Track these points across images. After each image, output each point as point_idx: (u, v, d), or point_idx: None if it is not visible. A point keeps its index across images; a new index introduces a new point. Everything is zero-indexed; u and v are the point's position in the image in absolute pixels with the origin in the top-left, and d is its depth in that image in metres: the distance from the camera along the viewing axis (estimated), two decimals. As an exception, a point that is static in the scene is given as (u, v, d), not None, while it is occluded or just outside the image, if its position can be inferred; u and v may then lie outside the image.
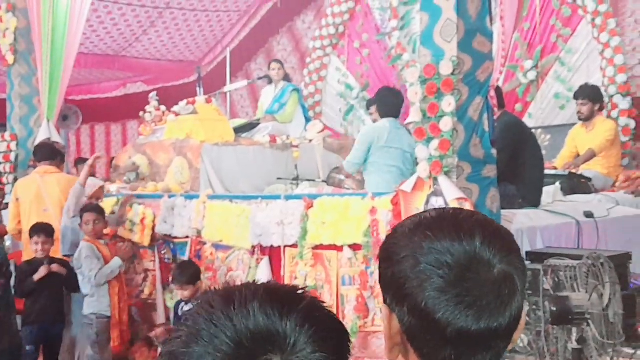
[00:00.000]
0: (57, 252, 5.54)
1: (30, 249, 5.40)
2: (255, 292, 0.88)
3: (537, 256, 3.67)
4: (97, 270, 5.08)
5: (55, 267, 5.26)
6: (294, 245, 4.80)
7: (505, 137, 4.77)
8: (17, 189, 6.03)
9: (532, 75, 7.75)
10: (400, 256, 1.11)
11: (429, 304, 1.06)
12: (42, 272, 5.18)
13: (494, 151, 3.96)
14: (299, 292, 0.91)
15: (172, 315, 5.54)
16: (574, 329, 3.12)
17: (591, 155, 6.41)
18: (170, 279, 5.09)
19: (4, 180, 6.68)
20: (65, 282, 5.35)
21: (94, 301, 5.13)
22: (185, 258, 5.49)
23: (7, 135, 6.82)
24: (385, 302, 1.16)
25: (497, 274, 1.07)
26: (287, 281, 4.87)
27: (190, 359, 0.84)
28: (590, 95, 6.54)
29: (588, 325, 3.04)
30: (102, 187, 5.63)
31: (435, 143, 3.77)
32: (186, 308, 4.71)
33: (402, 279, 1.10)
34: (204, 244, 5.41)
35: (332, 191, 5.32)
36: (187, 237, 5.52)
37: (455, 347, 1.08)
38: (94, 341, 5.11)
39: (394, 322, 1.13)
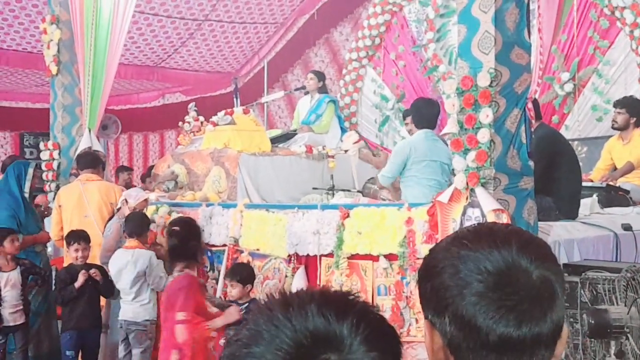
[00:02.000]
0: (96, 257, 5.65)
1: (69, 256, 5.51)
2: (312, 296, 0.93)
3: (574, 269, 3.65)
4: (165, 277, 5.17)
5: (93, 273, 5.36)
6: (330, 255, 4.83)
7: (542, 149, 4.76)
8: (59, 196, 6.16)
9: (569, 87, 7.71)
10: (438, 268, 1.14)
11: (469, 310, 1.08)
12: (81, 279, 5.27)
13: (531, 163, 3.96)
14: (351, 296, 0.96)
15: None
16: (612, 343, 3.10)
17: (630, 169, 6.37)
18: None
19: (47, 188, 6.81)
20: (102, 288, 5.44)
21: (150, 307, 5.17)
22: (222, 266, 5.56)
23: (50, 144, 6.97)
24: (426, 317, 1.18)
25: (536, 279, 1.09)
26: (322, 290, 4.90)
27: (251, 359, 0.88)
28: (629, 106, 6.51)
29: (627, 338, 3.02)
30: (146, 200, 5.73)
31: (472, 154, 3.78)
32: None
33: (442, 290, 1.12)
34: (241, 252, 5.47)
35: (368, 201, 5.34)
36: (224, 245, 5.58)
37: (499, 356, 1.08)
38: (147, 347, 5.14)
39: (436, 337, 1.14)
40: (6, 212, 6.12)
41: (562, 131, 7.29)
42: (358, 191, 6.22)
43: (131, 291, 5.14)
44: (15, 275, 5.66)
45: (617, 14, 7.30)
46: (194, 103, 7.76)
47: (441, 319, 1.12)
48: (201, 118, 7.50)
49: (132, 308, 5.17)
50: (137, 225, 5.25)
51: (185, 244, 4.41)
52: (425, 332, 1.19)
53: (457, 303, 1.09)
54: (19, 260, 5.74)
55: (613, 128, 6.65)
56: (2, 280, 5.59)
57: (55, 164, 6.88)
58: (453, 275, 1.11)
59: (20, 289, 5.69)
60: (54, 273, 5.97)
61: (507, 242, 1.12)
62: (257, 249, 5.35)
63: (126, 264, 5.14)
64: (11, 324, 5.63)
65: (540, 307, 1.08)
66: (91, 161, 6.21)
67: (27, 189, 6.32)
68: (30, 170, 6.41)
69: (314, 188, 6.29)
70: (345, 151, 7.11)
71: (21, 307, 5.69)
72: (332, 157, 6.79)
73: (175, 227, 4.69)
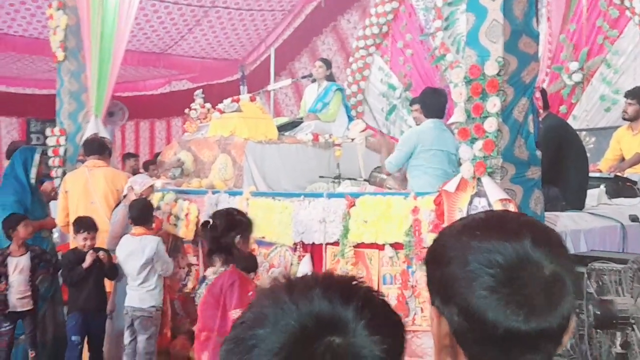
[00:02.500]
0: (103, 243, 5.67)
1: (76, 242, 5.53)
2: (317, 280, 0.92)
3: (580, 259, 3.64)
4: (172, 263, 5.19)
5: (101, 255, 5.39)
6: (336, 243, 4.83)
7: (549, 138, 4.74)
8: (65, 182, 6.17)
9: (577, 77, 7.66)
10: (448, 257, 1.12)
11: (479, 304, 1.06)
12: (88, 259, 5.31)
13: (538, 153, 3.94)
14: (356, 282, 0.95)
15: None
16: (618, 334, 3.09)
17: (638, 160, 6.34)
18: None
19: (53, 174, 6.82)
20: (107, 272, 5.48)
21: (156, 294, 5.21)
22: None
23: (56, 130, 6.96)
24: (433, 303, 1.16)
25: (548, 275, 1.07)
26: (328, 279, 4.90)
27: (256, 341, 0.88)
28: None
29: (632, 329, 3.01)
30: (152, 187, 5.73)
31: (479, 144, 3.76)
32: None
33: (451, 280, 1.10)
34: (247, 240, 5.47)
35: (374, 190, 5.33)
36: (230, 232, 5.59)
37: (505, 348, 1.07)
38: (153, 333, 5.18)
39: (443, 324, 1.13)
40: (13, 197, 6.15)
41: (570, 121, 7.26)
42: (364, 180, 6.21)
43: (139, 277, 5.17)
44: (25, 260, 5.69)
45: (627, 3, 7.25)
46: (200, 90, 7.74)
47: (449, 308, 1.11)
48: (207, 105, 7.49)
49: (138, 294, 5.20)
50: (141, 212, 5.27)
51: (223, 237, 4.05)
52: (432, 317, 1.18)
53: (465, 295, 1.08)
54: (29, 246, 5.77)
55: (624, 119, 6.63)
56: (12, 265, 5.62)
57: (61, 150, 6.88)
58: (462, 267, 1.09)
59: (29, 275, 5.72)
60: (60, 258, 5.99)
61: (520, 235, 1.09)
62: (263, 237, 5.35)
63: (134, 251, 5.17)
64: (19, 309, 5.66)
65: (551, 303, 1.07)
66: (97, 147, 6.22)
67: (33, 174, 6.33)
68: (37, 157, 6.42)
69: (320, 176, 6.28)
70: (352, 140, 7.09)
71: (29, 293, 5.72)
72: (339, 145, 6.78)
73: (215, 220, 4.32)
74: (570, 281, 1.10)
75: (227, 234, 3.93)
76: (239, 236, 3.83)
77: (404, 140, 5.63)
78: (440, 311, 1.14)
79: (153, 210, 5.45)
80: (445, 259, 1.12)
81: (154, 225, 5.59)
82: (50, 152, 6.91)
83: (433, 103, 5.59)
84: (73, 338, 5.33)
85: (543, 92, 5.23)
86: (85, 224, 5.48)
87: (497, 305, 1.06)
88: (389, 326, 0.94)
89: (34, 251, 5.76)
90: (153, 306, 5.22)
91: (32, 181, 6.32)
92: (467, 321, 1.09)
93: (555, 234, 1.16)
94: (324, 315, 0.89)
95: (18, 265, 5.64)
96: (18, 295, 5.64)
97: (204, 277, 4.81)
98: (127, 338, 5.25)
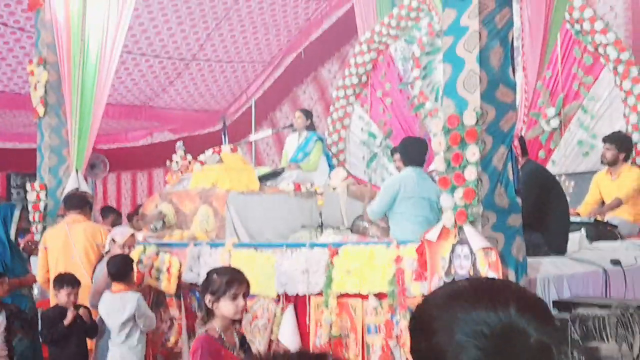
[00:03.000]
0: (84, 299, 5.59)
1: (58, 299, 5.43)
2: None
3: (564, 305, 3.65)
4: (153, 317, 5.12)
5: (82, 312, 5.30)
6: (319, 294, 4.80)
7: (529, 185, 4.78)
8: (45, 238, 6.11)
9: (554, 122, 7.77)
10: (433, 328, 1.12)
11: None
12: (69, 316, 5.20)
13: (518, 200, 3.97)
14: (330, 358, 0.93)
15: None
16: (604, 380, 3.08)
17: (618, 204, 6.40)
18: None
19: (34, 229, 6.76)
20: (88, 329, 5.38)
21: (138, 350, 5.09)
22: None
23: (36, 185, 6.92)
24: None
25: (534, 344, 1.07)
26: (312, 329, 4.86)
27: None
28: (617, 142, 6.57)
29: (618, 376, 3.01)
30: (133, 235, 5.69)
31: (460, 192, 3.79)
32: None
33: (437, 352, 1.10)
34: (230, 292, 5.42)
35: (357, 239, 5.34)
36: (212, 285, 5.54)
37: None
38: None
39: None
40: (-8, 255, 6.08)
41: (549, 166, 7.33)
42: (347, 228, 6.21)
43: (120, 334, 5.08)
44: (0, 319, 5.59)
45: (601, 50, 7.40)
46: (181, 142, 7.76)
47: None
48: (189, 157, 7.50)
49: (120, 351, 5.09)
50: (120, 268, 5.19)
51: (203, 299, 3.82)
52: None
53: None
54: (4, 305, 5.66)
55: (602, 163, 6.70)
56: None
57: (42, 205, 6.83)
58: (449, 339, 1.09)
59: (5, 334, 5.60)
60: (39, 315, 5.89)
61: (505, 303, 1.09)
62: (246, 289, 5.31)
63: (114, 308, 5.08)
64: None
65: None
66: (78, 202, 6.17)
67: (13, 231, 6.27)
68: (17, 213, 6.36)
69: (302, 226, 6.28)
70: (334, 188, 7.11)
71: (5, 352, 5.60)
72: (321, 194, 6.79)
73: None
74: (557, 351, 1.10)
75: (203, 296, 3.77)
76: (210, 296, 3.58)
77: (385, 187, 5.66)
78: None
79: (132, 266, 5.38)
80: (431, 330, 1.12)
81: (134, 280, 5.53)
82: (30, 207, 6.86)
83: (413, 152, 5.65)
84: (54, 398, 5.21)
85: (521, 139, 5.29)
86: (67, 280, 5.40)
87: None
88: None
89: (10, 310, 5.66)
90: None
91: (12, 237, 6.26)
92: None
93: (540, 301, 1.16)
94: None
95: None
96: None
97: None
98: (109, 397, 5.14)
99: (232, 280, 3.61)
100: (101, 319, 5.32)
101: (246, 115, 11.54)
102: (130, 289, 5.17)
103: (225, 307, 3.51)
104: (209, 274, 3.69)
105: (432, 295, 1.20)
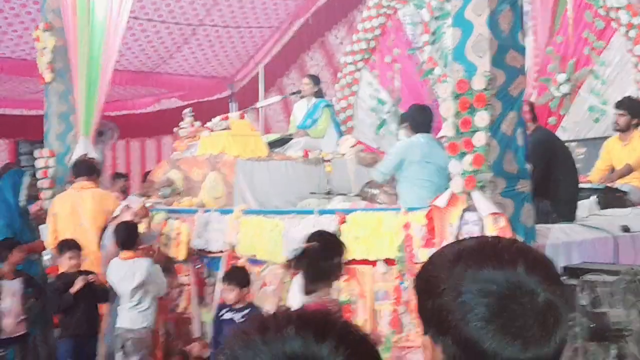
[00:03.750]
0: (95, 264, 5.62)
1: (62, 264, 5.46)
2: (289, 317, 0.90)
3: (573, 272, 3.63)
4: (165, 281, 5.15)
5: (91, 278, 5.33)
6: (328, 260, 4.81)
7: (538, 151, 4.75)
8: (54, 205, 6.13)
9: (565, 88, 7.69)
10: (440, 288, 1.11)
11: (474, 335, 1.05)
12: (78, 284, 5.23)
13: (528, 166, 3.95)
14: (331, 316, 0.93)
15: (208, 329, 5.60)
16: (612, 346, 3.08)
17: (629, 171, 6.36)
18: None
19: (42, 195, 6.78)
20: (98, 295, 5.41)
21: (148, 314, 5.13)
22: (220, 273, 5.54)
23: (45, 151, 6.93)
24: (425, 333, 1.15)
25: (542, 303, 1.07)
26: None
27: None
28: (630, 108, 6.50)
29: (626, 342, 3.01)
30: (145, 207, 5.70)
31: (468, 158, 3.77)
32: (227, 316, 4.69)
33: (444, 311, 1.09)
34: (238, 258, 5.45)
35: (365, 206, 5.32)
36: (221, 251, 5.57)
37: None
38: (145, 355, 5.10)
39: (437, 353, 1.12)
40: (2, 221, 6.13)
41: (559, 133, 7.27)
42: (355, 195, 6.20)
43: (132, 300, 5.12)
44: (17, 285, 5.65)
45: (612, 14, 7.29)
46: (189, 109, 7.73)
47: (444, 338, 1.10)
48: (197, 123, 7.48)
49: (129, 315, 5.13)
50: (125, 236, 5.20)
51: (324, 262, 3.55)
52: (425, 346, 1.16)
53: (460, 327, 1.07)
54: (18, 271, 5.73)
55: (615, 130, 6.63)
56: (4, 290, 5.57)
57: (50, 172, 6.84)
58: (455, 298, 1.08)
59: (21, 300, 5.67)
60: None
61: (512, 262, 1.09)
62: (254, 255, 5.33)
63: (125, 275, 5.11)
64: (12, 335, 5.61)
65: (546, 331, 1.06)
66: (86, 169, 6.18)
67: (23, 197, 6.30)
68: (26, 179, 6.40)
69: (311, 193, 6.27)
70: (342, 155, 7.10)
71: (22, 317, 5.68)
72: (329, 161, 6.77)
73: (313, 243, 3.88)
74: (564, 309, 1.10)
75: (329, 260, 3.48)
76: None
77: (393, 150, 5.64)
78: (434, 340, 1.12)
79: (138, 233, 5.39)
80: (438, 290, 1.11)
81: (141, 248, 5.53)
82: (39, 174, 6.87)
83: (418, 119, 5.58)
84: (66, 362, 5.26)
85: (531, 105, 5.25)
86: (67, 245, 5.43)
87: (493, 337, 1.05)
88: None
89: (21, 276, 5.73)
90: (145, 327, 5.14)
91: (22, 204, 6.29)
92: (463, 351, 1.07)
93: (547, 260, 1.15)
94: (296, 354, 0.86)
95: (10, 290, 5.60)
96: (11, 321, 5.59)
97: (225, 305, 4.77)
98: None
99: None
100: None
101: (254, 82, 11.46)
102: (139, 256, 5.19)
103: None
104: (333, 238, 3.58)
105: (437, 254, 1.18)
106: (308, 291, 3.34)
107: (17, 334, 5.64)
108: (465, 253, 1.13)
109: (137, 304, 5.12)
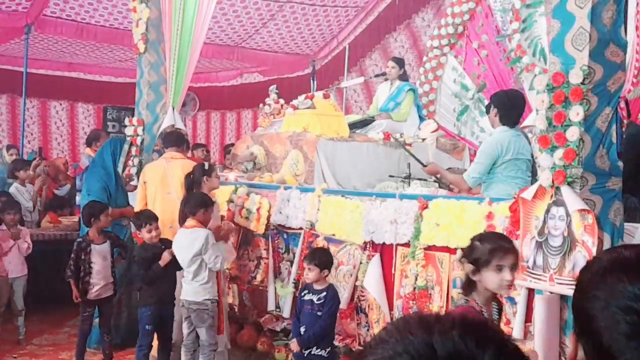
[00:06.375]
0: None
1: (143, 236, 5.57)
2: (454, 321, 0.93)
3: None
4: (221, 257, 5.22)
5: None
6: (406, 244, 4.84)
7: (629, 148, 4.64)
8: (144, 173, 6.33)
9: (659, 83, 7.44)
10: (591, 293, 1.13)
11: (613, 347, 1.07)
12: (166, 257, 5.35)
13: (620, 163, 3.86)
14: (492, 325, 0.96)
15: (282, 302, 5.71)
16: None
17: None
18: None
19: (130, 162, 6.99)
20: (179, 265, 5.53)
21: (209, 287, 5.18)
22: (298, 249, 5.64)
23: (134, 120, 7.14)
24: (574, 329, 1.19)
25: None
26: (397, 279, 4.92)
27: None
28: None
29: None
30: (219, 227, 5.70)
31: (560, 152, 3.72)
32: (307, 297, 4.77)
33: (590, 316, 1.12)
34: (317, 236, 5.53)
35: (447, 193, 5.30)
36: (300, 228, 5.66)
37: None
38: (210, 325, 5.19)
39: (580, 351, 1.16)
40: (99, 184, 6.36)
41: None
42: (434, 181, 6.18)
43: (189, 270, 5.17)
44: (106, 247, 5.88)
45: None
46: (275, 85, 7.83)
47: (585, 341, 1.14)
48: (281, 101, 7.58)
49: (192, 287, 5.19)
50: (192, 205, 5.24)
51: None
52: (572, 340, 1.20)
53: (602, 336, 1.10)
54: (107, 233, 5.96)
55: None
56: (95, 253, 5.80)
57: (139, 140, 7.05)
58: (603, 308, 1.10)
59: (110, 262, 5.91)
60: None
61: None
62: (333, 235, 5.40)
63: (185, 244, 5.18)
64: (102, 296, 5.84)
65: None
66: (176, 139, 6.35)
67: (120, 164, 6.54)
68: (126, 147, 6.65)
69: (390, 175, 6.29)
70: (423, 140, 7.08)
71: (111, 279, 5.91)
72: (410, 145, 6.77)
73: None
74: None
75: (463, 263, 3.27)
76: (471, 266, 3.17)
77: (484, 152, 5.18)
78: (579, 338, 1.17)
79: (207, 203, 5.38)
80: (589, 295, 1.14)
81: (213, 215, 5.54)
82: (127, 141, 7.08)
83: (512, 111, 5.20)
84: (147, 327, 5.38)
85: (626, 101, 5.11)
86: (146, 216, 5.52)
87: (632, 352, 1.06)
88: None
89: (110, 238, 5.95)
90: (208, 299, 5.19)
91: (119, 170, 6.54)
92: (601, 359, 1.11)
93: None
94: (460, 357, 0.88)
95: (100, 253, 5.83)
96: (102, 282, 5.82)
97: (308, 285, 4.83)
98: (185, 328, 5.28)
99: (496, 249, 3.15)
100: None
101: (335, 61, 11.49)
102: (200, 226, 5.21)
103: (489, 279, 3.09)
104: (472, 240, 3.28)
105: (597, 258, 1.21)
106: (466, 293, 3.17)
107: (105, 296, 5.88)
108: (620, 265, 1.14)
109: (194, 277, 5.16)
